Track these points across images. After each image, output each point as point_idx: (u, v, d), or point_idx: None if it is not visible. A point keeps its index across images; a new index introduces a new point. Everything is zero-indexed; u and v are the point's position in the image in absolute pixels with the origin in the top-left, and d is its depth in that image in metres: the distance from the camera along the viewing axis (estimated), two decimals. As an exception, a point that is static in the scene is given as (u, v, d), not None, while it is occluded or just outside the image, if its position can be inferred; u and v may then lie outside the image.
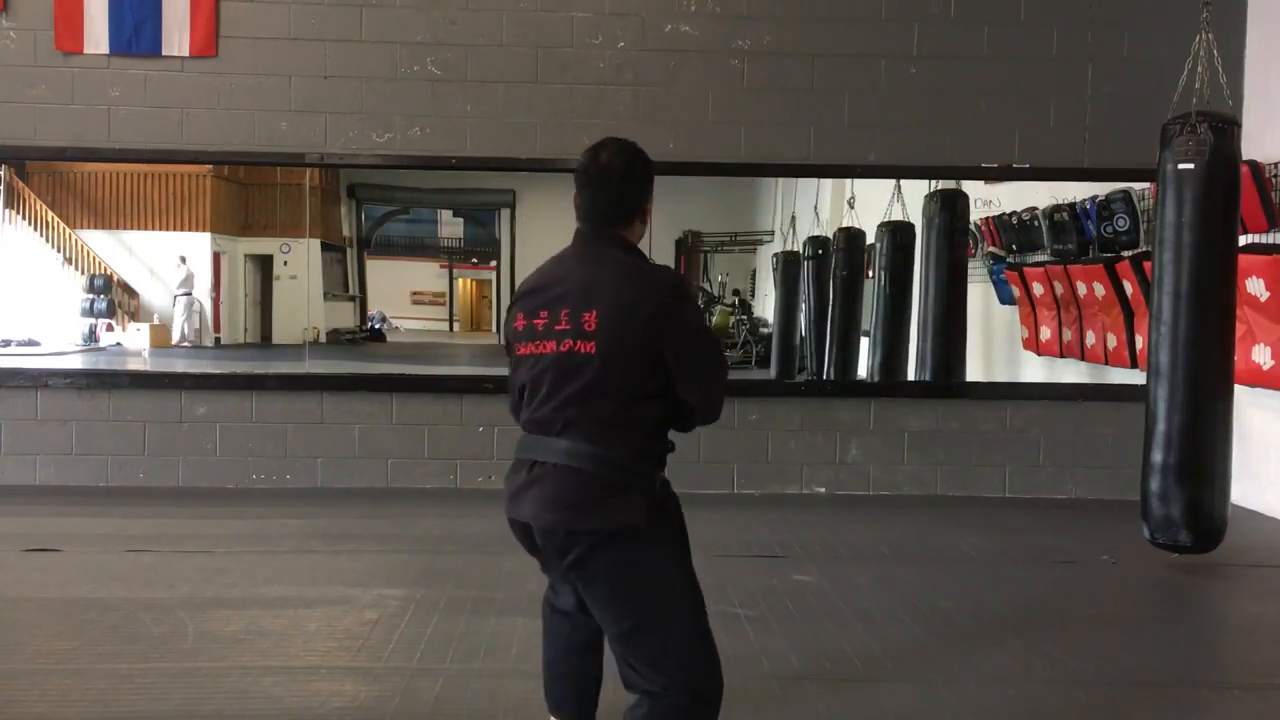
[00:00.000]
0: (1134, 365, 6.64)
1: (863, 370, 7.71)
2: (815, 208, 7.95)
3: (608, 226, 2.44)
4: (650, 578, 2.33)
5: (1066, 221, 7.10)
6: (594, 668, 2.67)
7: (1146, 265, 6.08)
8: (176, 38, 6.29)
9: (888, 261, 7.44)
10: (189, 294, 7.87)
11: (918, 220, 7.24)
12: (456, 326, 9.21)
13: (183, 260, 7.84)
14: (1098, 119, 6.53)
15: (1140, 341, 6.49)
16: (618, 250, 2.42)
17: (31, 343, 7.48)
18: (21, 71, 6.29)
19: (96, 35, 6.27)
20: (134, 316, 7.95)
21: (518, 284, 2.59)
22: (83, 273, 7.88)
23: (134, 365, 7.82)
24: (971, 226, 7.45)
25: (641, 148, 2.50)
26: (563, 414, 2.32)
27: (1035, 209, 7.36)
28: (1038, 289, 7.57)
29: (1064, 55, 6.52)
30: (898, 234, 7.34)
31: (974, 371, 7.41)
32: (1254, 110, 6.32)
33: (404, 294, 9.13)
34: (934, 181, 7.03)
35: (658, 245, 7.51)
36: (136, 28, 6.27)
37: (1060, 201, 7.13)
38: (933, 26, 6.49)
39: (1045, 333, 7.60)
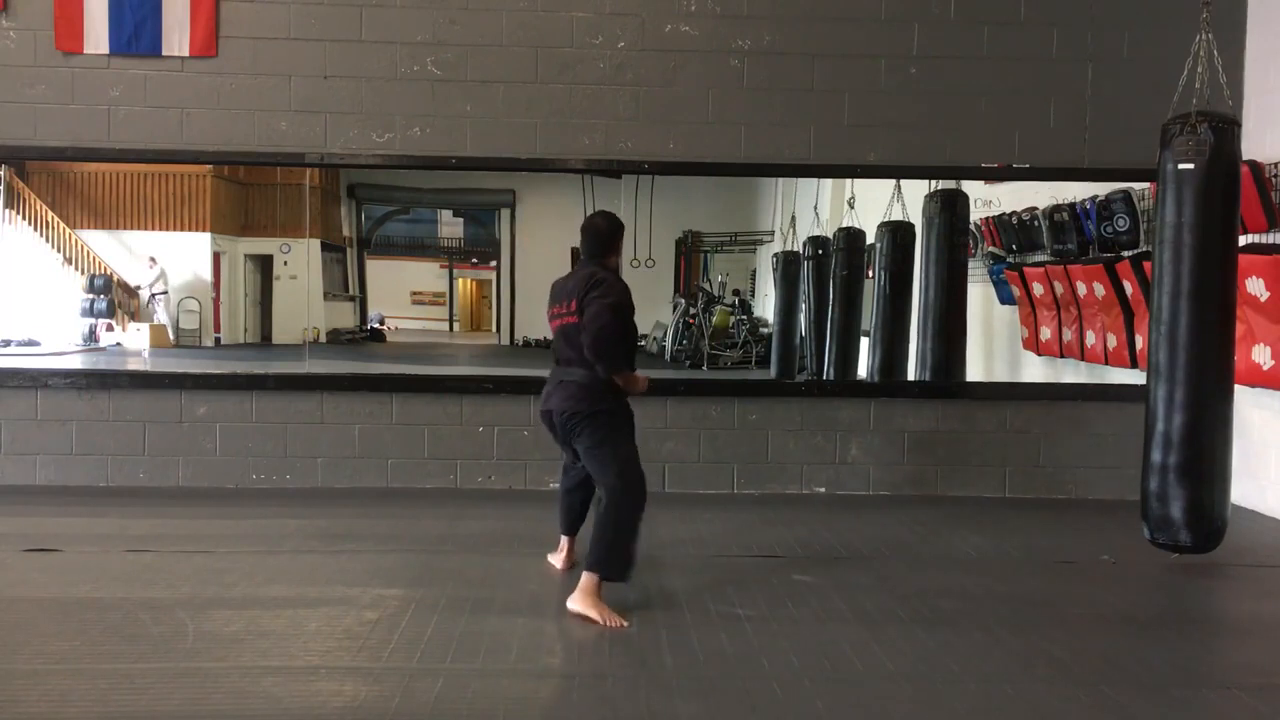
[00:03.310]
0: (1134, 365, 6.64)
1: (863, 370, 7.70)
2: (815, 208, 7.94)
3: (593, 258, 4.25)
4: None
5: (1066, 221, 7.10)
6: (580, 501, 4.58)
7: (1146, 265, 6.08)
8: (176, 38, 6.30)
9: (888, 261, 7.43)
10: (167, 292, 7.88)
11: (918, 220, 7.24)
12: (456, 326, 9.20)
13: (153, 260, 7.85)
14: (1098, 119, 6.53)
15: (1140, 341, 6.49)
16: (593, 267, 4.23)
17: (31, 343, 7.48)
18: (21, 71, 6.30)
19: (96, 35, 6.28)
20: (134, 316, 7.95)
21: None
22: (83, 273, 7.88)
23: (134, 365, 7.81)
24: (971, 226, 7.45)
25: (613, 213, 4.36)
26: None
27: (1035, 209, 7.36)
28: (1038, 289, 7.57)
29: (1064, 55, 6.53)
30: (898, 234, 7.34)
31: (974, 371, 7.41)
32: (1254, 110, 6.32)
33: (404, 294, 9.11)
34: (934, 181, 7.03)
35: (658, 245, 7.52)
36: (136, 28, 6.28)
37: (1060, 201, 7.13)
38: (933, 26, 6.50)
39: (1045, 333, 7.59)
